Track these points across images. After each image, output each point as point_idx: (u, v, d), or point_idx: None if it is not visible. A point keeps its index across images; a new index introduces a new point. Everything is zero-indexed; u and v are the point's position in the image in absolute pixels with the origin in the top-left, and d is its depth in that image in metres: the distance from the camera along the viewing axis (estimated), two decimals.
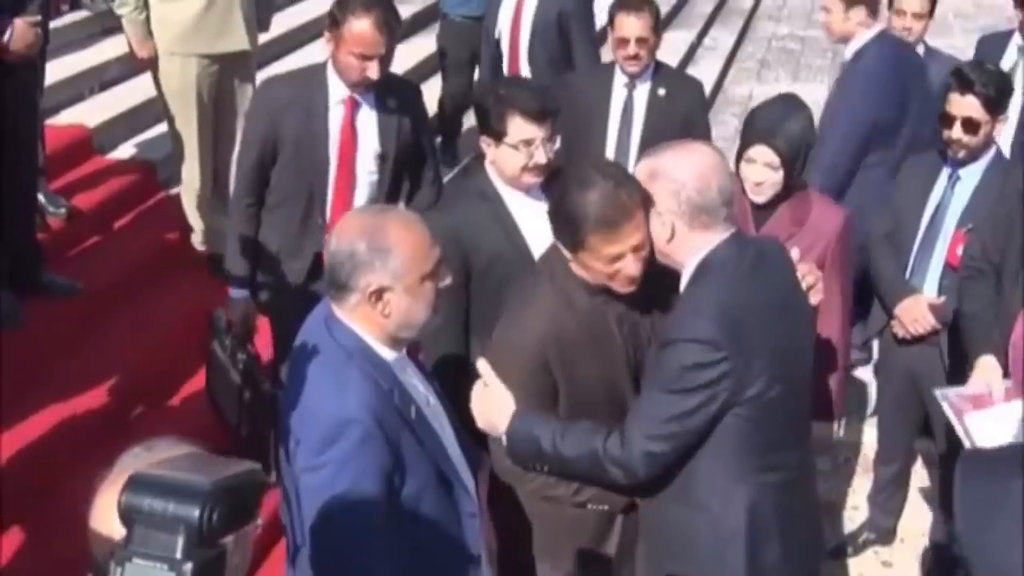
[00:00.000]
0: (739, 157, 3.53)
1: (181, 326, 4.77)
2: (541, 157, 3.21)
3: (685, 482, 2.68)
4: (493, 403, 2.72)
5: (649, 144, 4.10)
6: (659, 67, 4.77)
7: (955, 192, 3.98)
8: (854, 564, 4.51)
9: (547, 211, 2.76)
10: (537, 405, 2.73)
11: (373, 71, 3.62)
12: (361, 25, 3.56)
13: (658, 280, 2.72)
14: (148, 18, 4.98)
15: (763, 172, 3.46)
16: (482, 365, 2.73)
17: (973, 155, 3.91)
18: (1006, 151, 4.35)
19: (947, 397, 3.46)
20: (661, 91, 4.70)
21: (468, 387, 2.80)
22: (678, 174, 2.57)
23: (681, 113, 4.70)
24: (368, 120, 3.81)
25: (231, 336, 3.99)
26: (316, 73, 3.79)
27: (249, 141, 3.84)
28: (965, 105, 3.81)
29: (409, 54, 7.65)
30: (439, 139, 6.81)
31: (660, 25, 4.73)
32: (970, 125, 3.82)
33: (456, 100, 7.21)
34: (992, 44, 5.44)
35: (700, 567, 2.71)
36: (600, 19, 5.96)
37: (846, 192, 4.76)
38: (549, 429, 2.67)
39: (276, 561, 4.00)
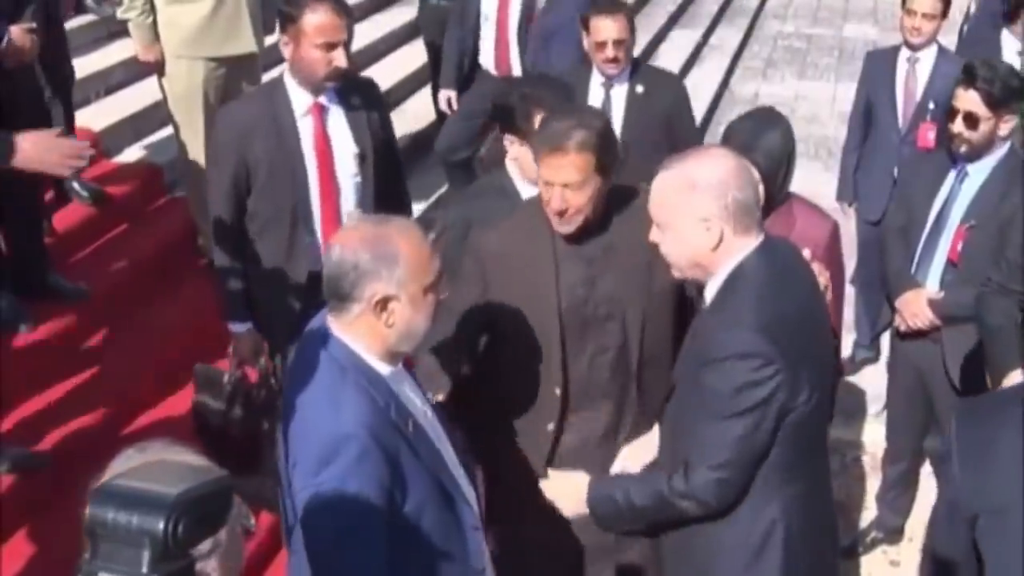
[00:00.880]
0: None
1: (187, 330, 4.78)
2: None
3: None
4: (565, 487, 2.81)
5: (630, 144, 4.14)
6: (637, 65, 4.77)
7: (962, 188, 3.99)
8: (863, 563, 4.51)
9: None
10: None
11: (340, 59, 3.53)
12: (319, 15, 3.49)
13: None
14: (154, 22, 4.99)
15: None
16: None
17: (976, 151, 3.91)
18: None
19: None
20: (639, 89, 4.69)
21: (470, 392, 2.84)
22: (717, 177, 2.50)
23: (662, 111, 4.69)
24: (339, 123, 3.72)
25: (232, 381, 3.84)
26: (275, 89, 3.69)
27: (219, 172, 3.67)
28: (967, 99, 3.86)
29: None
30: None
31: (634, 24, 4.76)
32: (970, 119, 3.86)
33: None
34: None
35: None
36: None
37: None
38: (620, 485, 2.71)
39: (279, 567, 4.01)
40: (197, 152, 5.11)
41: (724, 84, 10.52)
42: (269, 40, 5.52)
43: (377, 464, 2.24)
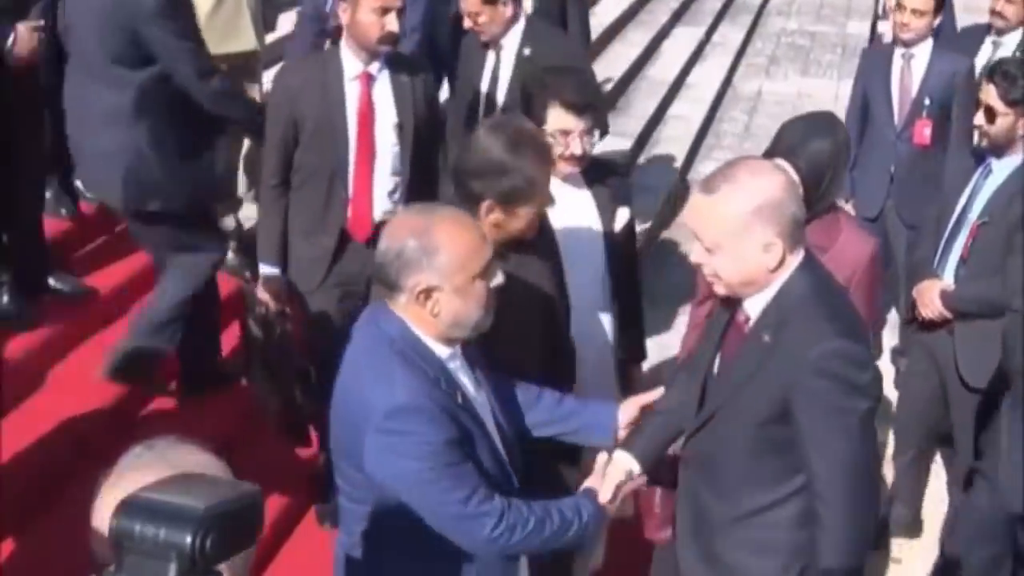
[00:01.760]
0: None
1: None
2: (577, 148, 3.32)
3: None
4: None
5: (512, 106, 4.29)
6: (530, 27, 4.80)
7: (985, 184, 4.04)
8: None
9: (459, 170, 2.93)
10: None
11: (393, 23, 3.72)
12: None
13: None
14: None
15: None
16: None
17: (996, 145, 3.99)
18: None
19: None
20: (527, 51, 4.74)
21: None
22: (777, 198, 2.41)
23: None
24: (384, 92, 3.89)
25: (264, 312, 4.04)
26: (330, 55, 3.92)
27: (271, 125, 3.91)
28: (987, 92, 3.96)
29: None
30: None
31: None
32: (989, 113, 3.94)
33: None
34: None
35: None
36: None
37: None
38: None
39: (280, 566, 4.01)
40: None
41: (727, 82, 10.52)
42: (270, 38, 5.53)
43: (440, 422, 2.33)
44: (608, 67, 8.95)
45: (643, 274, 4.41)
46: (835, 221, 3.31)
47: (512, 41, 4.76)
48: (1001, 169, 3.99)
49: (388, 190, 3.92)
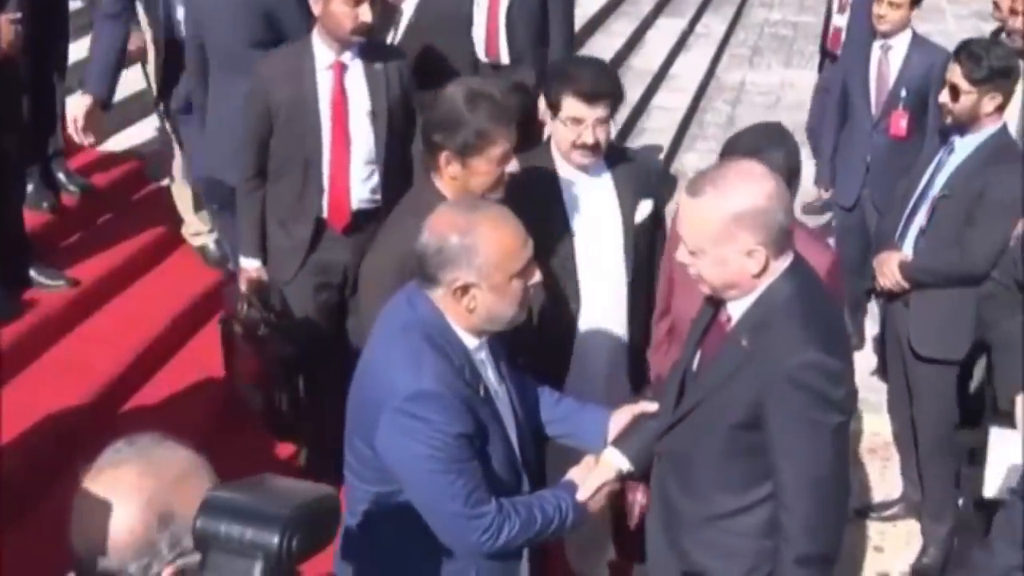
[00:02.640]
0: None
1: (171, 319, 4.77)
2: (589, 137, 3.33)
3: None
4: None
5: None
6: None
7: (948, 160, 4.11)
8: (843, 548, 4.53)
9: (425, 122, 3.08)
10: None
11: (366, 13, 3.71)
12: None
13: None
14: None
15: None
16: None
17: (959, 123, 4.05)
18: None
19: None
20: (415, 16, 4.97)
21: None
22: (762, 205, 2.39)
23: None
24: (357, 81, 3.88)
25: (246, 309, 4.01)
26: (303, 44, 3.90)
27: (247, 116, 3.92)
28: (953, 71, 4.02)
29: None
30: None
31: None
32: (954, 91, 4.01)
33: None
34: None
35: None
36: None
37: None
38: None
39: None
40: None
41: (710, 72, 10.54)
42: None
43: (458, 414, 2.35)
44: None
45: None
46: None
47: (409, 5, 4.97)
48: (964, 147, 4.06)
49: (364, 178, 3.92)
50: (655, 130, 8.70)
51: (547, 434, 2.91)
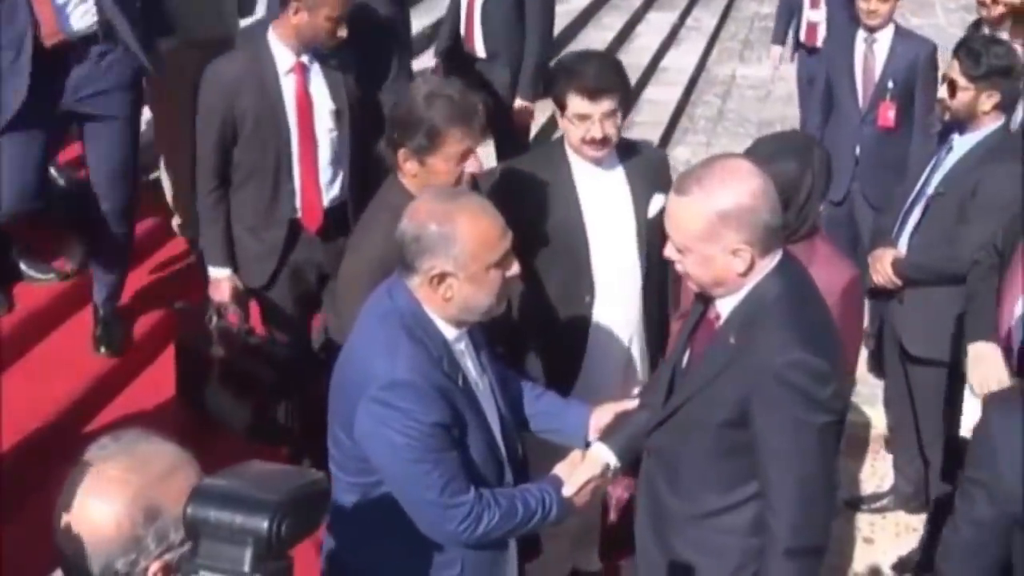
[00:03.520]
0: None
1: (161, 312, 4.76)
2: (597, 132, 3.33)
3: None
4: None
5: None
6: None
7: (946, 159, 4.12)
8: (834, 540, 4.55)
9: (392, 117, 3.09)
10: None
11: (344, 30, 3.75)
12: None
13: None
14: None
15: None
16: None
17: (958, 119, 4.06)
18: None
19: None
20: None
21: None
22: (747, 204, 2.38)
23: None
24: (319, 82, 3.89)
25: (222, 320, 3.99)
26: (260, 47, 3.85)
27: (206, 125, 3.85)
28: (952, 67, 4.03)
29: None
30: None
31: None
32: (951, 87, 4.01)
33: None
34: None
35: None
36: None
37: None
38: None
39: None
40: (172, 134, 5.08)
41: (701, 66, 10.55)
42: (244, 23, 5.49)
43: (434, 403, 2.36)
44: None
45: None
46: (810, 248, 3.05)
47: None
48: (962, 145, 4.07)
49: (332, 177, 3.92)
50: (646, 124, 8.71)
51: (529, 428, 2.91)
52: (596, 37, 9.67)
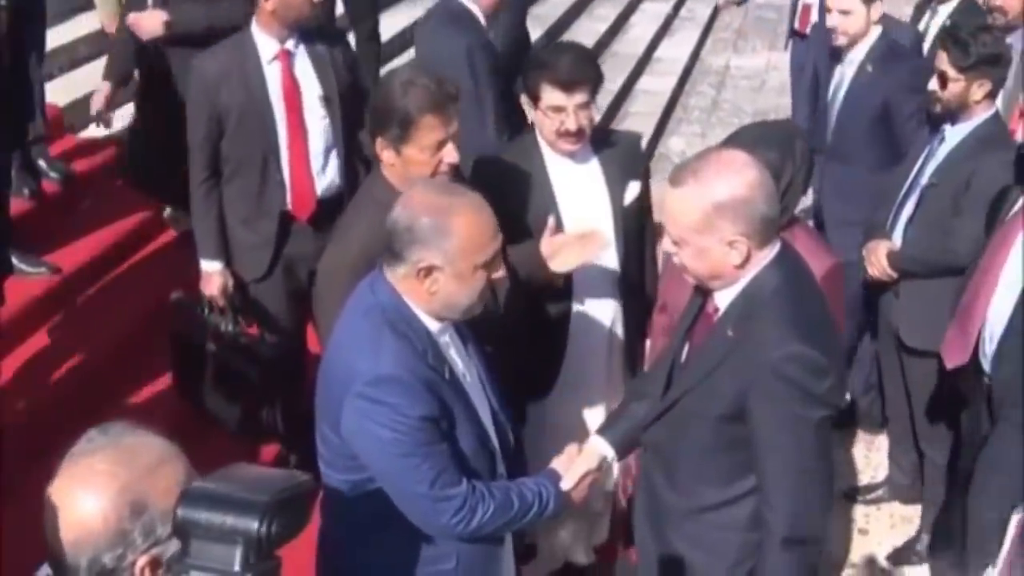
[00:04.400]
0: None
1: (153, 305, 4.75)
2: (571, 124, 3.32)
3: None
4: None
5: None
6: None
7: (939, 150, 4.11)
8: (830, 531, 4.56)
9: (370, 106, 3.06)
10: None
11: None
12: None
13: None
14: None
15: None
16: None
17: (949, 110, 4.03)
18: None
19: None
20: None
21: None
22: (743, 195, 2.37)
23: None
24: (305, 67, 3.88)
25: (215, 316, 3.99)
26: (242, 39, 3.85)
27: (193, 120, 3.85)
28: (940, 59, 4.00)
29: None
30: None
31: None
32: (942, 78, 3.99)
33: None
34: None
35: None
36: None
37: None
38: None
39: None
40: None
41: (695, 56, 10.54)
42: None
43: (420, 396, 2.34)
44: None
45: None
46: (790, 238, 2.89)
47: None
48: (954, 135, 4.06)
49: (324, 165, 3.90)
50: (640, 114, 8.69)
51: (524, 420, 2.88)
52: (590, 27, 9.66)
